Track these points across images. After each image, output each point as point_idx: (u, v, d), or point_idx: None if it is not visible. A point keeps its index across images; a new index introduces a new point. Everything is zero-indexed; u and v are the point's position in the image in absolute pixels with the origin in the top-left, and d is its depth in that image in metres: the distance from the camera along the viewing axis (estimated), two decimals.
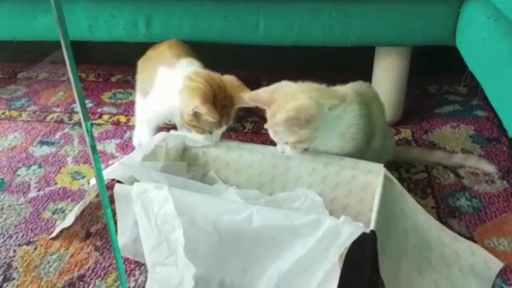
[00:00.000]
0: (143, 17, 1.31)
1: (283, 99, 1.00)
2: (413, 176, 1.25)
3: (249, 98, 1.04)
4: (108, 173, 0.97)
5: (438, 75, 1.77)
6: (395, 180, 0.96)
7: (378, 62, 1.43)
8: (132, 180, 0.94)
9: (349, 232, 0.78)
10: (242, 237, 0.86)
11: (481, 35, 1.01)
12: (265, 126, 1.03)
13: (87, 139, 0.76)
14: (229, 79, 1.11)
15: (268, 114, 1.02)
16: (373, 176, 0.99)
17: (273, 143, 1.07)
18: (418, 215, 0.95)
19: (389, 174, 0.96)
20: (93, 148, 0.76)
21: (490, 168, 1.23)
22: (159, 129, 1.27)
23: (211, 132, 1.10)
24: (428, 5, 1.19)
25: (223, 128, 1.10)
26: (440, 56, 1.84)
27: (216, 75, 1.11)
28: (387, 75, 1.42)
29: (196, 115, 1.05)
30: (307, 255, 0.81)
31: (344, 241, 0.78)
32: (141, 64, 1.32)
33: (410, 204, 0.95)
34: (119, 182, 0.96)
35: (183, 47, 1.27)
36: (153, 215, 0.89)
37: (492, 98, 0.99)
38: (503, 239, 1.03)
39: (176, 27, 1.30)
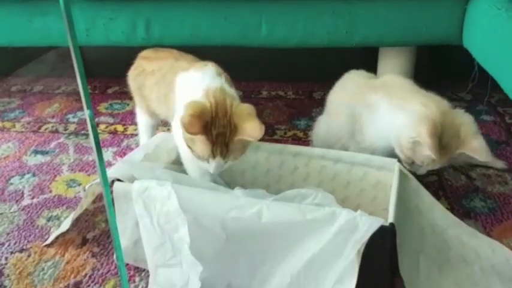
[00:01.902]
0: (142, 19, 1.28)
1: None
2: (424, 178, 1.20)
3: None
4: (110, 173, 0.92)
5: (441, 83, 1.74)
6: (410, 175, 0.92)
7: (382, 66, 1.40)
8: (133, 179, 0.89)
9: (367, 225, 0.73)
10: (251, 235, 0.80)
11: (493, 26, 0.99)
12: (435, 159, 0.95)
13: (90, 130, 0.71)
14: (242, 108, 0.95)
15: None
16: (385, 172, 0.95)
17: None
18: (434, 212, 0.90)
19: (404, 169, 0.92)
20: (97, 142, 0.71)
21: (498, 164, 1.20)
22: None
23: (207, 161, 0.95)
24: (434, 3, 1.17)
25: (219, 161, 0.93)
26: (442, 64, 1.83)
27: (230, 101, 0.95)
28: None
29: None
30: (322, 252, 0.76)
31: (362, 235, 0.73)
32: (139, 80, 1.20)
33: (426, 201, 0.90)
34: (118, 180, 0.90)
35: (185, 54, 1.18)
36: (155, 213, 0.84)
37: (506, 86, 0.95)
38: None
39: (176, 30, 1.27)
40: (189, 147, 0.96)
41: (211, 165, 0.95)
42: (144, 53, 1.22)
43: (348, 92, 1.14)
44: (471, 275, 0.88)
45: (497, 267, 0.90)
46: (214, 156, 0.93)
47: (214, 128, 0.92)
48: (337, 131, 1.14)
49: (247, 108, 0.95)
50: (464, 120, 0.97)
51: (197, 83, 0.98)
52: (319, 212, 0.76)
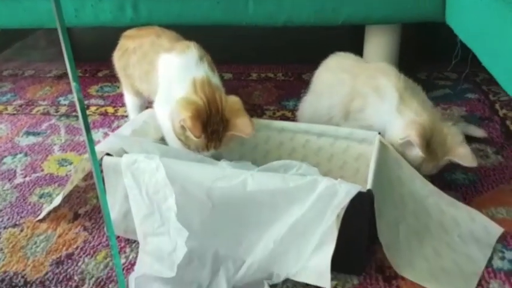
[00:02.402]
0: None
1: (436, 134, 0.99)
2: None
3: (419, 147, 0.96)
4: (99, 147, 0.94)
5: (427, 63, 1.77)
6: (390, 147, 0.94)
7: (368, 46, 1.43)
8: (122, 153, 0.92)
9: (345, 191, 0.76)
10: (237, 203, 0.83)
11: (474, 3, 1.01)
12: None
13: (76, 102, 0.73)
14: (231, 102, 0.99)
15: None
16: (367, 145, 0.98)
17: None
18: (414, 182, 0.93)
19: (384, 141, 0.94)
20: (83, 111, 0.73)
21: (478, 132, 1.24)
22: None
23: (199, 152, 1.00)
24: None
25: (211, 152, 0.99)
26: (428, 45, 1.85)
27: (219, 95, 0.99)
28: (377, 59, 1.42)
29: (183, 129, 0.96)
30: (304, 218, 0.79)
31: (340, 200, 0.76)
32: (123, 60, 1.22)
33: (406, 171, 0.93)
34: (108, 154, 0.93)
35: (167, 31, 1.20)
36: (144, 184, 0.86)
37: (487, 62, 0.98)
38: (501, 208, 1.02)
39: (164, 9, 1.29)
40: (181, 140, 0.98)
41: (203, 154, 0.99)
42: (127, 32, 1.24)
43: (345, 73, 1.15)
44: (450, 242, 0.92)
45: (476, 234, 0.93)
46: (208, 150, 0.98)
47: (209, 126, 0.96)
48: (328, 111, 1.15)
49: (236, 102, 0.99)
50: (452, 131, 1.01)
51: (181, 70, 1.01)
52: (302, 180, 0.79)
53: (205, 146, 0.97)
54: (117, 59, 1.24)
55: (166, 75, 1.04)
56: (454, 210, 0.95)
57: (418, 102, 1.04)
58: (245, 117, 0.97)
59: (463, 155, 0.97)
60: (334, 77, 1.17)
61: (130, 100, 1.27)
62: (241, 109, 0.99)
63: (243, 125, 0.96)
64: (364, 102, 1.08)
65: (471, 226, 0.93)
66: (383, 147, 0.93)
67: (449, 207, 0.94)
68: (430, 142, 0.98)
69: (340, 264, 0.80)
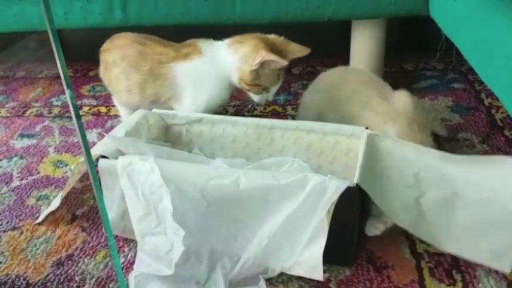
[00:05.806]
0: (119, 0, 1.30)
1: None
2: None
3: None
4: (94, 150, 0.96)
5: (414, 54, 1.80)
6: (379, 135, 0.96)
7: (355, 40, 1.45)
8: (117, 155, 0.94)
9: (335, 187, 0.79)
10: (230, 201, 0.86)
11: None
12: None
13: (71, 108, 0.75)
14: (271, 37, 1.12)
15: None
16: (355, 140, 1.01)
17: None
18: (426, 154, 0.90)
19: (373, 133, 0.97)
20: (78, 116, 0.75)
21: (442, 131, 1.24)
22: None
23: (267, 91, 1.13)
24: None
25: (279, 84, 1.13)
26: (414, 36, 1.88)
27: (255, 36, 1.11)
28: (364, 53, 1.44)
29: (257, 72, 1.06)
30: (296, 214, 0.82)
31: (330, 196, 0.79)
32: (107, 74, 1.23)
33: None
34: (103, 157, 0.95)
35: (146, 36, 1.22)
36: (139, 186, 0.88)
37: (468, 55, 1.01)
38: None
39: (152, 10, 1.30)
40: (254, 86, 1.10)
41: (271, 93, 1.14)
42: (103, 47, 1.25)
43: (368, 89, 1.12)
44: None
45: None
46: (278, 81, 1.12)
47: None
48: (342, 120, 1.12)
49: (273, 36, 1.12)
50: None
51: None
52: (292, 178, 0.82)
53: (277, 77, 1.10)
54: (102, 74, 1.27)
55: (200, 81, 1.14)
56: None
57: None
58: (292, 43, 1.10)
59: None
60: (362, 97, 1.11)
61: (122, 111, 1.30)
62: (282, 39, 1.11)
63: (296, 48, 1.09)
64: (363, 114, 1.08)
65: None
66: (372, 140, 0.94)
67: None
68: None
69: (333, 256, 0.84)
